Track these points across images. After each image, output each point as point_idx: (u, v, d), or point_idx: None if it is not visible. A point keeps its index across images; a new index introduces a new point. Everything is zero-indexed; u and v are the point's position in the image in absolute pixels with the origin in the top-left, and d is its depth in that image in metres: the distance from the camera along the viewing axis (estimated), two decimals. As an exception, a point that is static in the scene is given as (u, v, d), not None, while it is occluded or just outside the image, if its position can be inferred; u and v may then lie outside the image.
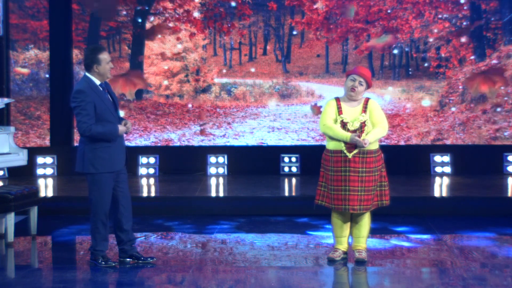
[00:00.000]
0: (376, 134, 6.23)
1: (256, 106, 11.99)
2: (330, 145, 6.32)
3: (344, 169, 6.23)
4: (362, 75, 6.30)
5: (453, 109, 11.58)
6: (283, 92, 12.00)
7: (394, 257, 6.76)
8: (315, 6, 11.81)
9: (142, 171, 11.65)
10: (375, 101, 6.42)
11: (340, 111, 6.30)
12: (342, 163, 6.23)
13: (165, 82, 11.85)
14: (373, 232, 7.19)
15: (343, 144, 6.23)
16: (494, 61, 11.65)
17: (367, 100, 6.35)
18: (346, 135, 6.19)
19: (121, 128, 6.19)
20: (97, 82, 6.19)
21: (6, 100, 9.63)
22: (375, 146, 6.29)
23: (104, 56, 6.19)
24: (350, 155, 6.22)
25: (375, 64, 11.90)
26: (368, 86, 6.35)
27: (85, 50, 6.51)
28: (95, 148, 6.13)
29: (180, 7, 11.87)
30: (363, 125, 6.23)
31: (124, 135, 6.36)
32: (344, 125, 6.25)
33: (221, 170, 11.69)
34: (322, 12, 11.81)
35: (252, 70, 11.97)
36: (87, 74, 6.20)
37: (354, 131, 6.21)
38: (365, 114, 6.26)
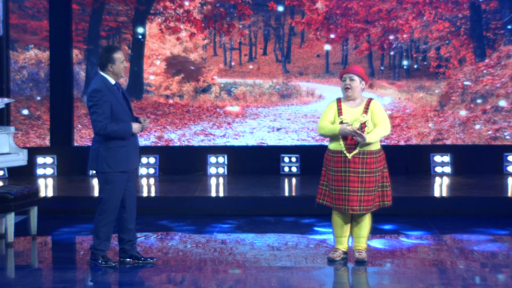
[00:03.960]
0: (378, 133, 6.20)
1: (256, 106, 11.99)
2: (331, 146, 6.32)
3: (344, 169, 6.22)
4: (350, 71, 6.30)
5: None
6: (283, 92, 12.00)
7: (394, 257, 6.76)
8: (315, 6, 11.82)
9: (142, 171, 11.65)
10: (378, 102, 6.40)
11: (340, 112, 6.29)
12: (342, 163, 6.23)
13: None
14: (373, 232, 7.19)
15: (343, 145, 6.23)
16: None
17: (369, 100, 6.33)
18: (335, 127, 6.20)
19: (135, 125, 6.21)
20: (112, 81, 6.21)
21: (6, 100, 9.63)
22: (376, 146, 6.27)
23: (119, 56, 6.21)
24: (349, 156, 6.21)
25: (375, 64, 11.90)
26: (364, 80, 6.33)
27: (100, 49, 6.57)
28: (109, 147, 6.14)
29: (180, 7, 11.88)
30: (363, 125, 6.21)
31: (138, 134, 6.38)
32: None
33: (221, 170, 11.69)
34: (322, 12, 11.81)
35: (253, 68, 11.99)
36: (101, 73, 6.22)
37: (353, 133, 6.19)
38: (365, 115, 6.24)
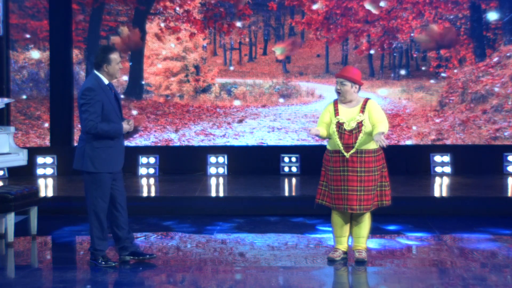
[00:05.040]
0: (381, 128, 6.20)
1: (256, 106, 11.99)
2: (330, 146, 6.35)
3: (343, 169, 6.23)
4: (340, 76, 6.31)
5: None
6: (283, 92, 12.00)
7: (394, 257, 6.76)
8: (315, 7, 11.81)
9: (142, 171, 11.65)
10: (375, 101, 6.41)
11: (336, 113, 6.31)
12: (341, 163, 6.24)
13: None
14: (373, 232, 7.20)
15: (340, 144, 6.24)
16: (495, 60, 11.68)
17: (366, 100, 6.35)
18: (316, 129, 6.26)
19: (125, 126, 6.21)
20: (106, 81, 6.21)
21: (6, 100, 9.63)
22: (374, 145, 6.28)
23: (115, 56, 6.21)
24: (347, 155, 6.22)
25: (375, 64, 11.90)
26: (356, 83, 6.30)
27: (97, 49, 6.56)
28: (96, 147, 6.14)
29: (180, 7, 11.88)
30: (360, 125, 6.22)
31: (125, 134, 6.38)
32: (340, 125, 6.25)
33: (221, 170, 11.69)
34: (322, 12, 11.81)
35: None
36: (96, 72, 6.21)
37: (350, 131, 6.21)
38: (362, 114, 6.25)
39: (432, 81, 11.81)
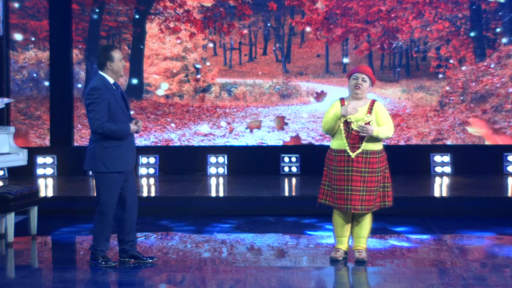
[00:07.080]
0: (384, 130, 6.21)
1: (256, 106, 11.99)
2: (334, 145, 6.32)
3: (347, 168, 6.23)
4: (363, 72, 6.31)
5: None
6: (283, 92, 12.00)
7: (394, 257, 6.77)
8: (315, 6, 11.82)
9: (142, 171, 11.65)
10: (381, 104, 6.42)
11: (344, 111, 6.31)
12: (345, 162, 6.23)
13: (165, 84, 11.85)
14: (373, 232, 7.20)
15: (346, 144, 6.23)
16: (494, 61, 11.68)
17: (373, 102, 6.35)
18: (337, 112, 6.21)
19: (132, 127, 6.21)
20: (111, 80, 6.21)
21: (6, 100, 9.63)
22: (378, 146, 6.28)
23: (117, 54, 6.22)
24: (353, 155, 6.22)
25: (375, 64, 11.90)
26: (372, 82, 6.36)
27: (98, 50, 6.57)
28: (106, 147, 6.14)
29: (180, 7, 11.88)
30: (367, 125, 6.23)
31: (135, 134, 6.38)
32: (348, 124, 6.25)
33: (221, 170, 11.69)
34: (322, 12, 11.81)
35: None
36: (100, 72, 6.21)
37: (357, 131, 6.19)
38: (370, 115, 6.25)
39: (432, 81, 11.82)
